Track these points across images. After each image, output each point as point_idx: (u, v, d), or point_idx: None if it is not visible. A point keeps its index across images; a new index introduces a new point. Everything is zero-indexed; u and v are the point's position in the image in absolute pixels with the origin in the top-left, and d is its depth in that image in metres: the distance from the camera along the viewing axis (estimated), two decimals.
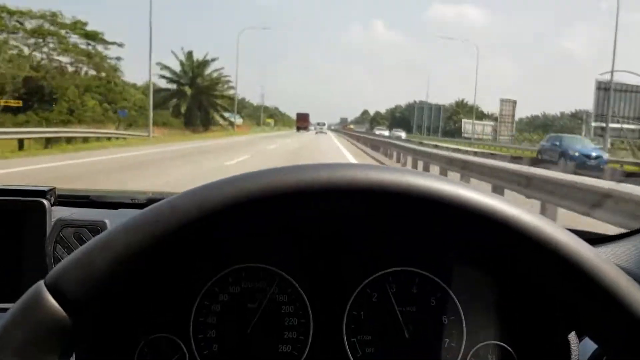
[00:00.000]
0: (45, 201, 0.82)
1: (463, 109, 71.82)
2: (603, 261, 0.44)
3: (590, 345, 0.74)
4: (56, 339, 0.41)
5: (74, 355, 0.70)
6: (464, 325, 0.79)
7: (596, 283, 0.43)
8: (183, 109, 46.96)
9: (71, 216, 0.81)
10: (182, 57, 49.86)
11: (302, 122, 75.34)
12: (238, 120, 62.07)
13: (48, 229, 0.80)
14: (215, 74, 52.06)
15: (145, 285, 0.46)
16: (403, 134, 48.24)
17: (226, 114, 55.54)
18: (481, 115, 69.64)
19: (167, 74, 49.37)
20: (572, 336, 0.72)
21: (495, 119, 58.26)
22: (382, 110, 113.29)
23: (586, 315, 0.46)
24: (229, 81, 53.65)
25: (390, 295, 0.80)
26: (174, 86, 49.60)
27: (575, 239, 0.44)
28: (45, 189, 0.86)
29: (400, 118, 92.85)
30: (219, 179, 0.46)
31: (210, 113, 50.36)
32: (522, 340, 0.78)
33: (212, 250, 0.78)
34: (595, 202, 5.14)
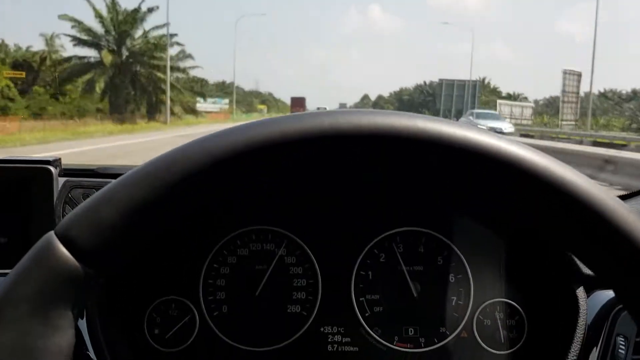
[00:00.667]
0: (52, 168, 0.82)
1: (484, 90, 63.38)
2: (612, 200, 0.42)
3: (599, 300, 0.75)
4: (68, 287, 0.41)
5: (85, 314, 0.70)
6: (471, 283, 0.79)
7: (607, 222, 0.42)
8: (99, 87, 30.41)
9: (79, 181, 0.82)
10: (104, 7, 31.46)
11: (297, 107, 66.81)
12: (216, 106, 54.77)
13: (55, 194, 0.80)
14: (154, 34, 33.17)
15: (154, 240, 0.45)
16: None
17: (200, 100, 45.90)
18: (507, 97, 63.18)
19: (80, 33, 31.04)
20: (580, 291, 0.72)
21: (522, 100, 52.39)
22: (385, 94, 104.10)
23: (595, 259, 0.44)
24: (182, 51, 36.08)
25: (398, 255, 0.80)
26: (92, 52, 31.83)
27: (584, 178, 0.43)
28: (51, 158, 0.86)
29: (409, 101, 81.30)
30: (228, 127, 0.45)
31: (156, 95, 32.94)
32: (529, 298, 0.79)
33: (220, 210, 0.79)
34: None
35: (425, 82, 79.95)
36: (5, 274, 0.82)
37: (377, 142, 0.44)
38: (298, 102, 68.20)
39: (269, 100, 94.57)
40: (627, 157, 8.72)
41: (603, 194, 0.42)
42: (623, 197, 0.93)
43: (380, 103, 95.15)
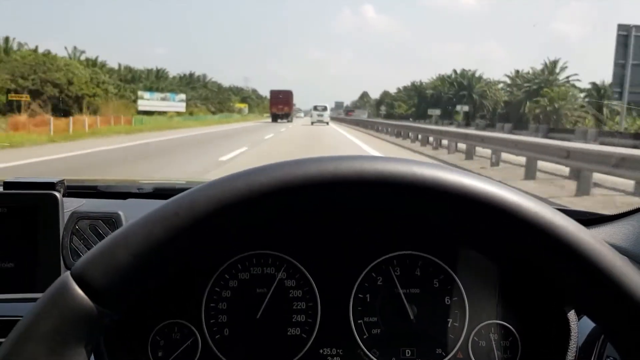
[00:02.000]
0: (57, 194, 0.84)
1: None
2: (599, 243, 0.46)
3: (589, 323, 0.77)
4: (83, 326, 0.43)
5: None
6: (467, 305, 0.81)
7: (592, 265, 0.45)
8: None
9: (83, 207, 0.84)
10: None
11: (279, 105, 49.36)
12: (165, 104, 42.98)
13: (61, 220, 0.82)
14: None
15: (162, 275, 0.47)
16: None
17: (146, 95, 38.85)
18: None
19: None
20: (572, 314, 0.74)
21: None
22: (391, 89, 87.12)
23: (583, 295, 0.48)
24: None
25: (395, 278, 0.82)
26: None
27: (572, 223, 0.46)
28: (55, 180, 0.88)
29: (434, 96, 62.60)
30: (231, 173, 0.49)
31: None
32: (522, 320, 0.81)
33: (223, 240, 0.81)
34: None
35: (455, 72, 62.20)
36: (11, 300, 0.84)
37: (375, 188, 0.46)
38: (281, 99, 49.43)
39: (251, 98, 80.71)
40: None
41: (590, 238, 0.45)
42: (590, 222, 0.95)
43: (386, 100, 79.89)
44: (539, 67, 52.28)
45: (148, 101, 40.51)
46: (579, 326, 0.75)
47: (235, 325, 0.82)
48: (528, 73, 53.15)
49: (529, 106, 46.23)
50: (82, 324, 0.43)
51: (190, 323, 0.81)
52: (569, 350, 0.72)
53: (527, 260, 0.51)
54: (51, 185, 0.86)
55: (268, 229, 0.83)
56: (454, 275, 0.82)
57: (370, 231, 0.84)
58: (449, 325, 0.81)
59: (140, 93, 40.80)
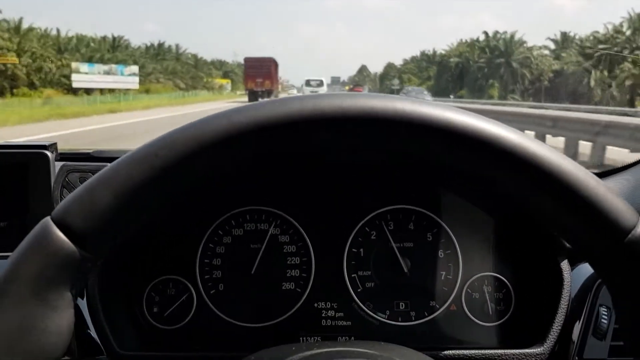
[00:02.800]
0: (48, 152, 0.84)
1: None
2: (583, 172, 0.45)
3: (582, 272, 0.77)
4: (66, 270, 0.43)
5: (86, 295, 0.73)
6: (460, 258, 0.81)
7: (577, 192, 0.44)
8: None
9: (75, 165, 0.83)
10: None
11: (258, 78, 36.45)
12: (111, 79, 32.97)
13: (52, 178, 0.82)
14: None
15: (145, 219, 0.46)
16: None
17: (84, 67, 29.10)
18: None
19: None
20: (565, 264, 0.75)
21: None
22: (397, 61, 78.51)
23: (572, 230, 0.47)
24: None
25: (388, 232, 0.82)
26: None
27: (555, 153, 0.45)
28: (47, 143, 0.88)
29: (461, 66, 48.87)
30: (212, 114, 0.47)
31: None
32: (516, 271, 0.81)
33: (213, 190, 0.81)
34: None
35: (487, 34, 48.13)
36: (5, 257, 0.84)
37: (358, 124, 0.46)
38: (260, 71, 36.32)
39: (234, 72, 67.69)
40: None
41: (574, 166, 0.44)
42: (607, 172, 0.95)
43: (391, 74, 70.10)
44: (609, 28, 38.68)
45: (86, 75, 31.66)
46: (572, 278, 0.75)
47: (230, 280, 0.82)
48: (595, 34, 39.94)
49: (598, 77, 35.42)
50: (65, 267, 0.43)
51: (185, 279, 0.81)
52: (562, 300, 0.73)
53: (515, 202, 0.51)
54: (43, 147, 0.86)
55: (260, 185, 0.83)
56: (447, 228, 0.82)
57: (363, 186, 0.84)
58: (443, 278, 0.82)
59: (74, 65, 31.13)
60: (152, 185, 0.44)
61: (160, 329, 0.80)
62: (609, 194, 0.44)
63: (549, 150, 0.45)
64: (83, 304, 0.73)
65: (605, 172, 0.95)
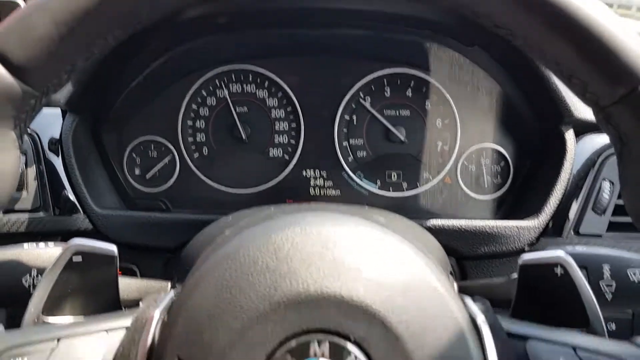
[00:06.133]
0: None
1: None
2: (605, 10, 0.37)
3: (588, 146, 0.72)
4: (6, 105, 0.39)
5: (60, 152, 0.69)
6: (458, 128, 0.76)
7: (594, 30, 0.36)
8: None
9: None
10: None
11: None
12: None
13: None
14: None
15: (90, 50, 0.40)
16: None
17: None
18: None
19: None
20: (570, 133, 0.69)
21: None
22: None
23: (584, 72, 0.37)
24: None
25: (384, 99, 0.77)
26: None
27: None
28: None
29: None
30: None
31: None
32: (516, 142, 0.76)
33: (195, 43, 0.74)
34: None
35: None
36: None
37: None
38: None
39: None
40: None
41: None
42: None
43: None
44: None
45: None
46: (576, 150, 0.70)
47: (215, 144, 0.78)
48: None
49: None
50: (5, 103, 0.38)
51: (168, 140, 0.77)
52: (563, 171, 0.68)
53: (527, 40, 0.43)
54: None
55: (245, 41, 0.76)
56: (448, 96, 0.76)
57: (359, 47, 0.76)
58: (439, 148, 0.77)
59: None
60: (98, 12, 0.38)
61: (141, 191, 0.78)
62: (629, 36, 0.37)
63: None
64: (58, 162, 0.70)
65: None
